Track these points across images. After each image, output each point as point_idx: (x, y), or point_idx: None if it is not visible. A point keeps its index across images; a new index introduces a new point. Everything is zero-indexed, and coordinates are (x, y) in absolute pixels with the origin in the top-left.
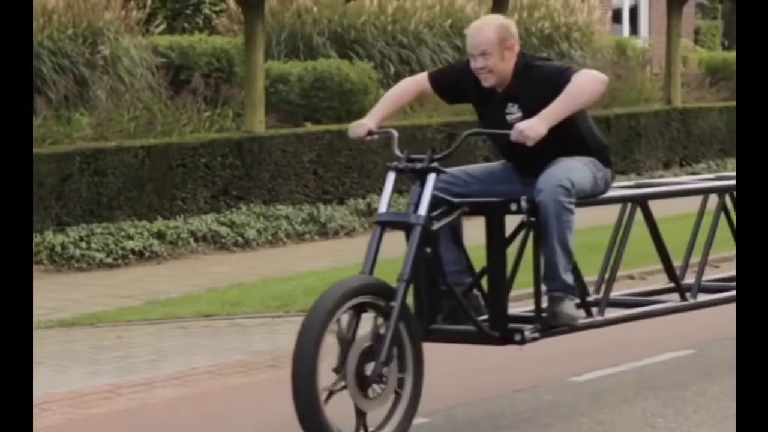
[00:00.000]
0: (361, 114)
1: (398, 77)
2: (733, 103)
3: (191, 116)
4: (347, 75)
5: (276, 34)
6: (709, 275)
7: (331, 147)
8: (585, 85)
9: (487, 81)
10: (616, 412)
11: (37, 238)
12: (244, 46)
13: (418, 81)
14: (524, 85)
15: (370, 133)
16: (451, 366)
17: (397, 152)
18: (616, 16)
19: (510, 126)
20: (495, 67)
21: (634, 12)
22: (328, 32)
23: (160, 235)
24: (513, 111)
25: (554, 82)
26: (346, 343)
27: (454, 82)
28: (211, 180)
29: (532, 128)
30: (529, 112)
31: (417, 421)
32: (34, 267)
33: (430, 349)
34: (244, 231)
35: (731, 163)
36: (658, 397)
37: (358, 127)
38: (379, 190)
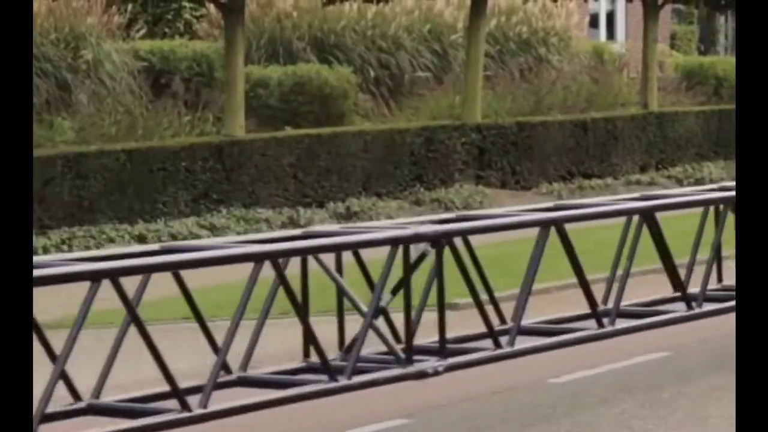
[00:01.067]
0: (340, 118)
1: (377, 81)
2: (709, 107)
3: (172, 120)
4: (327, 79)
5: (256, 39)
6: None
7: (311, 151)
8: None
9: None
10: (594, 413)
11: None
12: (224, 51)
13: None
14: None
15: None
16: None
17: None
18: (593, 21)
19: None
20: None
21: (611, 17)
22: (308, 37)
23: (141, 239)
24: None
25: None
26: None
27: None
28: (192, 183)
29: None
30: None
31: (396, 422)
32: None
33: None
34: (224, 234)
35: (707, 166)
36: (636, 399)
37: None
38: (358, 193)
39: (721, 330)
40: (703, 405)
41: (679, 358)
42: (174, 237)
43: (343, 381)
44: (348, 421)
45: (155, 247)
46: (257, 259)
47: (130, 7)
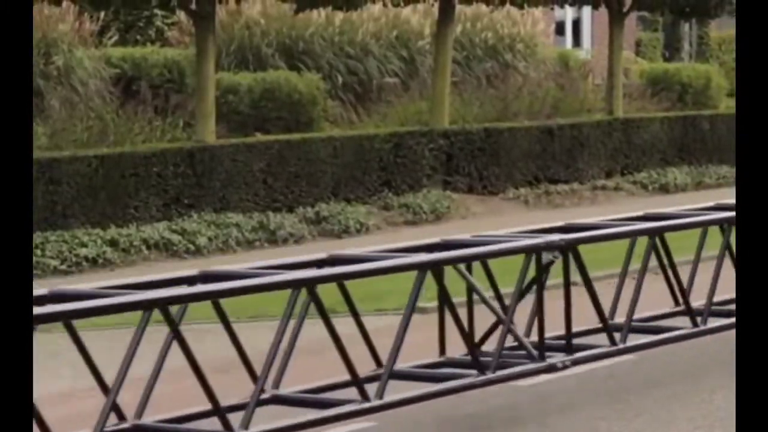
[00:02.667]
0: (309, 124)
1: (346, 88)
2: (674, 113)
3: (143, 126)
4: (296, 86)
5: (226, 46)
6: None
7: (281, 156)
8: None
9: None
10: (561, 416)
11: None
12: (195, 58)
13: None
14: None
15: None
16: None
17: None
18: (560, 28)
19: None
20: None
21: (576, 24)
22: (277, 44)
23: (113, 243)
24: None
25: None
26: None
27: None
28: (163, 189)
29: None
30: None
31: (365, 424)
32: None
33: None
34: (195, 238)
35: (672, 172)
36: (602, 402)
37: None
38: (327, 198)
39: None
40: (668, 408)
41: (644, 362)
42: (145, 241)
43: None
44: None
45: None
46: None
47: (102, 14)
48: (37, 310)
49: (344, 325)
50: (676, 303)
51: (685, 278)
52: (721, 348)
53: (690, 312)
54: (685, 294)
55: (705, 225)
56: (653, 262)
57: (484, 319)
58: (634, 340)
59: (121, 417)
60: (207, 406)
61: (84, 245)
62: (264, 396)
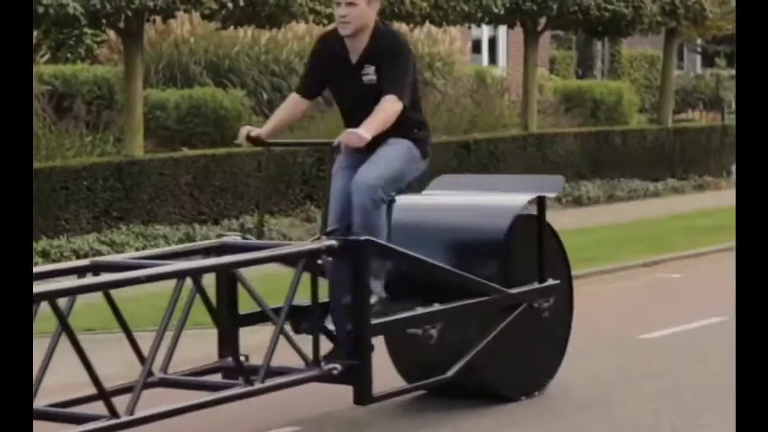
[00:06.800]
0: (234, 139)
1: (270, 104)
2: (587, 129)
3: (74, 141)
4: (221, 102)
5: (154, 64)
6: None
7: (206, 170)
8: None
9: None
10: (472, 420)
11: None
12: (123, 75)
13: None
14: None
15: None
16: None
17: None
18: (476, 47)
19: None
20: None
21: (492, 43)
22: (204, 61)
23: (44, 254)
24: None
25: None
26: None
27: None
28: (93, 201)
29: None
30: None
31: (287, 429)
32: None
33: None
34: (123, 249)
35: (585, 185)
36: (503, 408)
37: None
38: (252, 211)
39: (594, 340)
40: (577, 413)
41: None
42: (75, 252)
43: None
44: (238, 428)
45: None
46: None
47: (34, 32)
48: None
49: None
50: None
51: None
52: (629, 358)
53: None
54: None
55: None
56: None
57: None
58: None
59: None
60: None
61: None
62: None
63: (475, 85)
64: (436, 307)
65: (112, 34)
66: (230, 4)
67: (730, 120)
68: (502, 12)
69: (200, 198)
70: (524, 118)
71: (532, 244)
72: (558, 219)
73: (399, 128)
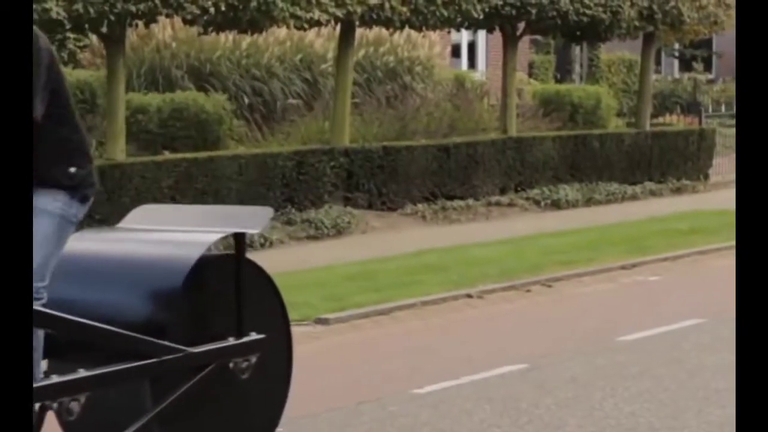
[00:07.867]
0: (216, 143)
1: (251, 108)
2: (565, 132)
3: None
4: (203, 106)
5: (136, 68)
6: None
7: (188, 173)
8: None
9: None
10: (456, 422)
11: None
12: (106, 79)
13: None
14: None
15: None
16: (295, 378)
17: None
18: (455, 51)
19: None
20: None
21: (472, 47)
22: (186, 66)
23: None
24: None
25: None
26: None
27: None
28: None
29: None
30: None
31: None
32: None
33: None
34: None
35: (563, 188)
36: (495, 408)
37: None
38: None
39: (574, 342)
40: (558, 414)
41: (536, 370)
42: None
43: None
44: None
45: None
46: None
47: None
48: None
49: None
50: None
51: None
52: (608, 360)
53: None
54: None
55: None
56: None
57: None
58: None
59: None
60: None
61: None
62: None
63: (455, 89)
64: (79, 374)
65: (94, 38)
66: (212, 9)
67: (707, 124)
68: (482, 17)
69: (182, 201)
70: (503, 121)
71: (231, 290)
72: (537, 222)
73: (47, 171)
